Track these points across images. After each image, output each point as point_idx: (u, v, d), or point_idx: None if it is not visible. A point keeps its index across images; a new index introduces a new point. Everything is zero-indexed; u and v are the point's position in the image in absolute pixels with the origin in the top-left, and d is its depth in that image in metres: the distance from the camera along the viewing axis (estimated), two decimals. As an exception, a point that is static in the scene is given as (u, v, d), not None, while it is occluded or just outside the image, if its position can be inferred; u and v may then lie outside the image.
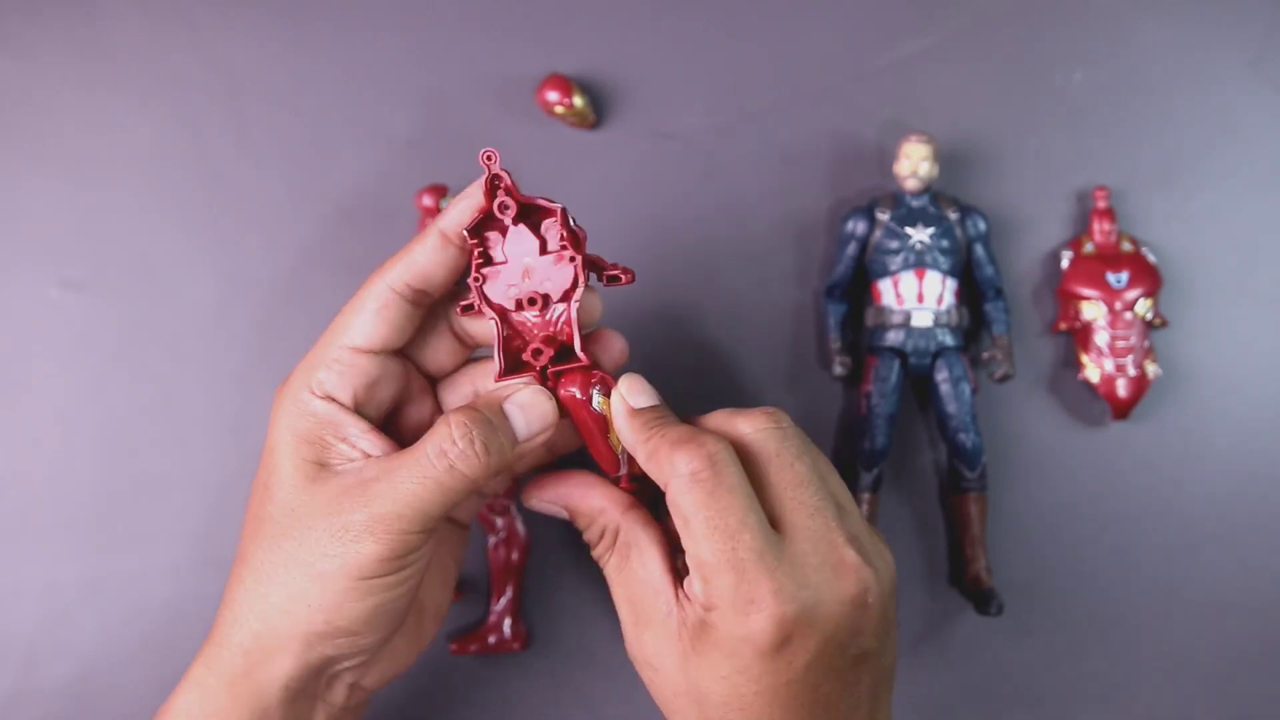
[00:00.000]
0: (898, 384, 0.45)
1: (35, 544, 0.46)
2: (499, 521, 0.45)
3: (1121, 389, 0.45)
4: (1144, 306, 0.46)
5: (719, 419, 0.34)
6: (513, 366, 0.35)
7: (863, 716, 0.33)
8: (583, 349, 0.34)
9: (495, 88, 0.49)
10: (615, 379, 0.35)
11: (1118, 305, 0.46)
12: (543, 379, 0.35)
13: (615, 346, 0.37)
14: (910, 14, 0.49)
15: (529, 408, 0.34)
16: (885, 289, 0.45)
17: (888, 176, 0.48)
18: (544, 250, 0.34)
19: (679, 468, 0.31)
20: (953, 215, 0.46)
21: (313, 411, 0.34)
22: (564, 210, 0.34)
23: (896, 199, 0.46)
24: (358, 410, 0.34)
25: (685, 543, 0.32)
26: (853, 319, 0.47)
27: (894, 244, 0.45)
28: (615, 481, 0.36)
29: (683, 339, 0.48)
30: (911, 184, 0.45)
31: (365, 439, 0.34)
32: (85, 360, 0.47)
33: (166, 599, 0.46)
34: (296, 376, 0.35)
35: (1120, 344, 0.45)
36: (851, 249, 0.46)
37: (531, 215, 0.34)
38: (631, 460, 0.35)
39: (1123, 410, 0.46)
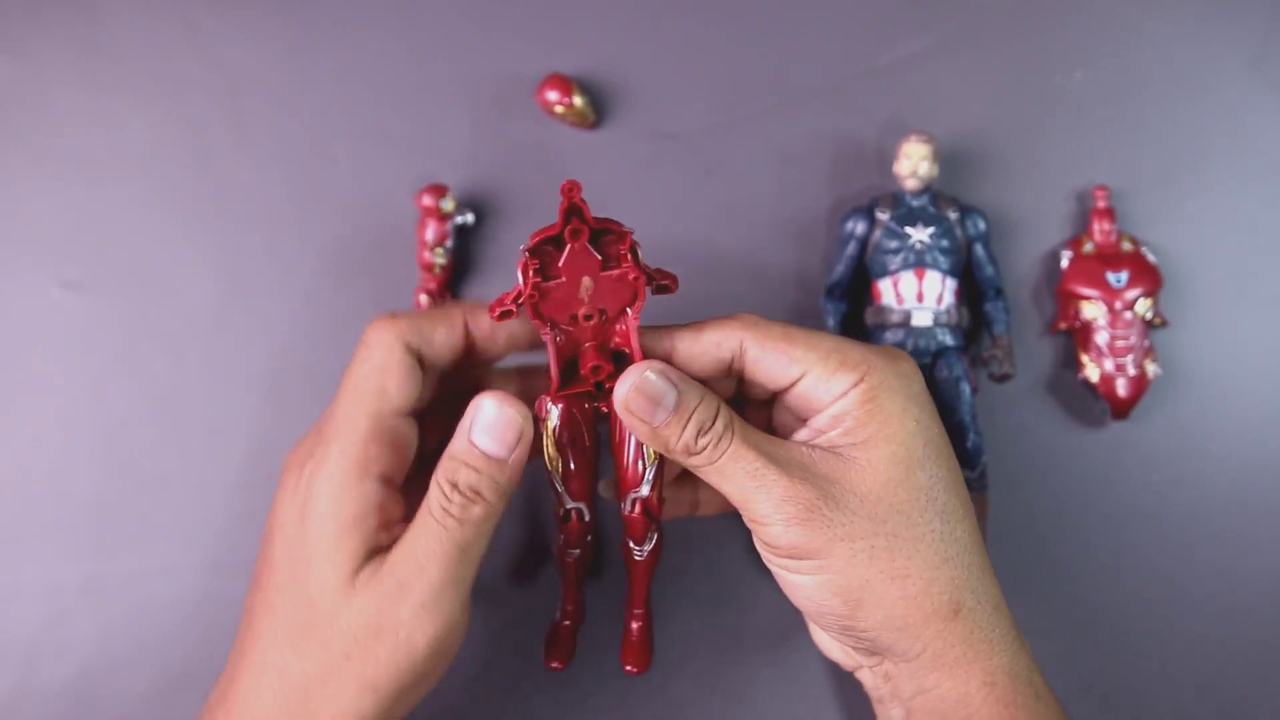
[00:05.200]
0: (898, 384, 0.45)
1: (35, 544, 0.46)
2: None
3: (1121, 389, 0.45)
4: (1144, 306, 0.46)
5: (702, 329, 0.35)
6: (567, 380, 0.34)
7: None
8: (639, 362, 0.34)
9: (495, 88, 0.49)
10: None
11: (1118, 305, 0.46)
12: (598, 392, 0.34)
13: None
14: (910, 14, 0.49)
15: (493, 427, 0.33)
16: (885, 289, 0.46)
17: (888, 176, 0.48)
18: (604, 266, 0.33)
19: (747, 317, 0.34)
20: (953, 215, 0.46)
21: (364, 494, 0.33)
22: (632, 235, 0.33)
23: (896, 199, 0.46)
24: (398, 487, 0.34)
25: (794, 355, 0.33)
26: (853, 319, 0.47)
27: (894, 244, 0.45)
28: (630, 508, 0.36)
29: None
30: (911, 184, 0.45)
31: (402, 526, 0.34)
32: (85, 360, 0.47)
33: (166, 599, 0.46)
34: (331, 447, 0.33)
35: (1120, 344, 0.45)
36: (851, 249, 0.46)
37: (595, 235, 0.33)
38: (655, 483, 0.35)
39: (1123, 410, 0.46)
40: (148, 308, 0.48)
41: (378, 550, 0.33)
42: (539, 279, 0.33)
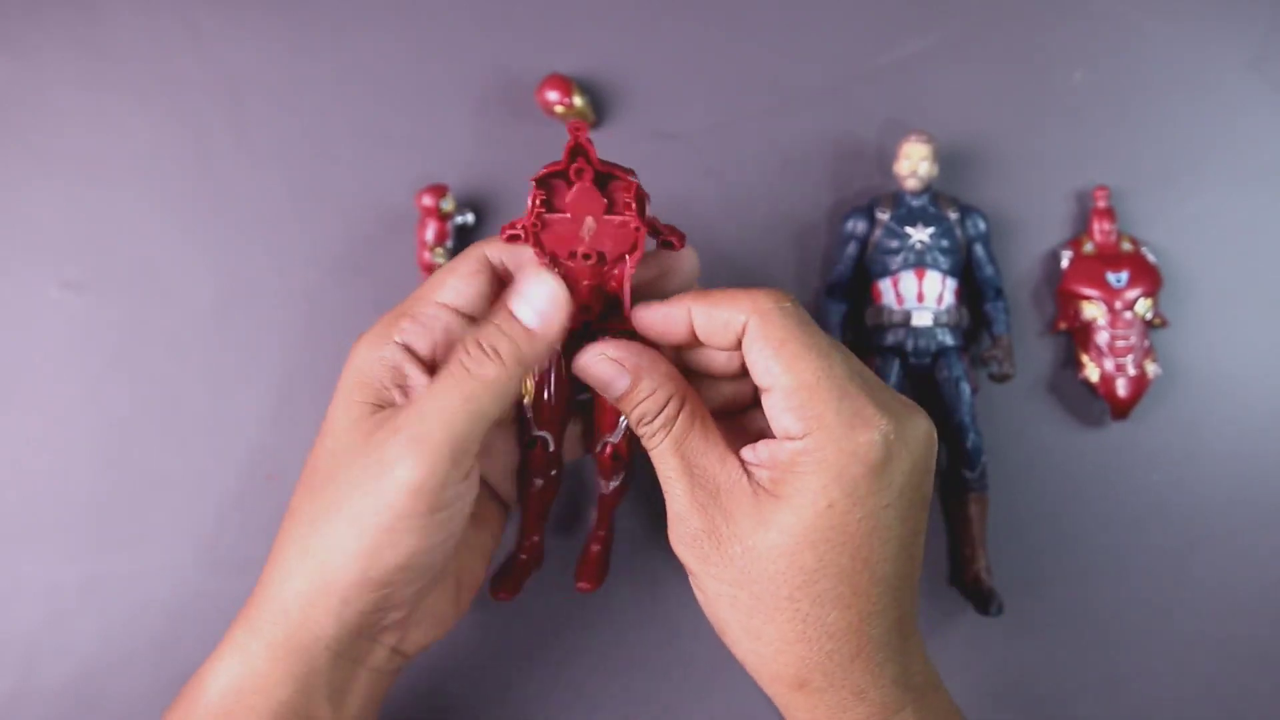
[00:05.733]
0: (898, 384, 0.45)
1: (35, 544, 0.46)
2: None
3: (1121, 389, 0.45)
4: (1144, 306, 0.46)
5: (727, 295, 0.34)
6: None
7: (917, 573, 0.33)
8: (629, 313, 0.35)
9: (495, 88, 0.49)
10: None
11: (1118, 305, 0.46)
12: (586, 332, 0.35)
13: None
14: (911, 14, 0.49)
15: (534, 297, 0.34)
16: (885, 289, 0.45)
17: (888, 176, 0.48)
18: (608, 210, 0.34)
19: (762, 302, 0.32)
20: (953, 215, 0.46)
21: (381, 356, 0.34)
22: (639, 185, 0.34)
23: (896, 199, 0.46)
24: (431, 367, 0.34)
25: (774, 372, 0.31)
26: (853, 319, 0.47)
27: (894, 244, 0.45)
28: (601, 448, 0.38)
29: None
30: (911, 184, 0.45)
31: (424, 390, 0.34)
32: (85, 360, 0.47)
33: (166, 599, 0.46)
34: (378, 325, 0.35)
35: (1120, 344, 0.45)
36: (852, 249, 0.46)
37: (601, 177, 0.34)
38: (629, 433, 0.36)
39: (1123, 410, 0.46)
40: (148, 308, 0.48)
41: (390, 405, 0.34)
42: (543, 210, 0.34)
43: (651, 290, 0.36)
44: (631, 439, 0.38)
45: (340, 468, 0.33)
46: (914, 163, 0.45)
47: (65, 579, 0.46)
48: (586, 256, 0.34)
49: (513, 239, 0.35)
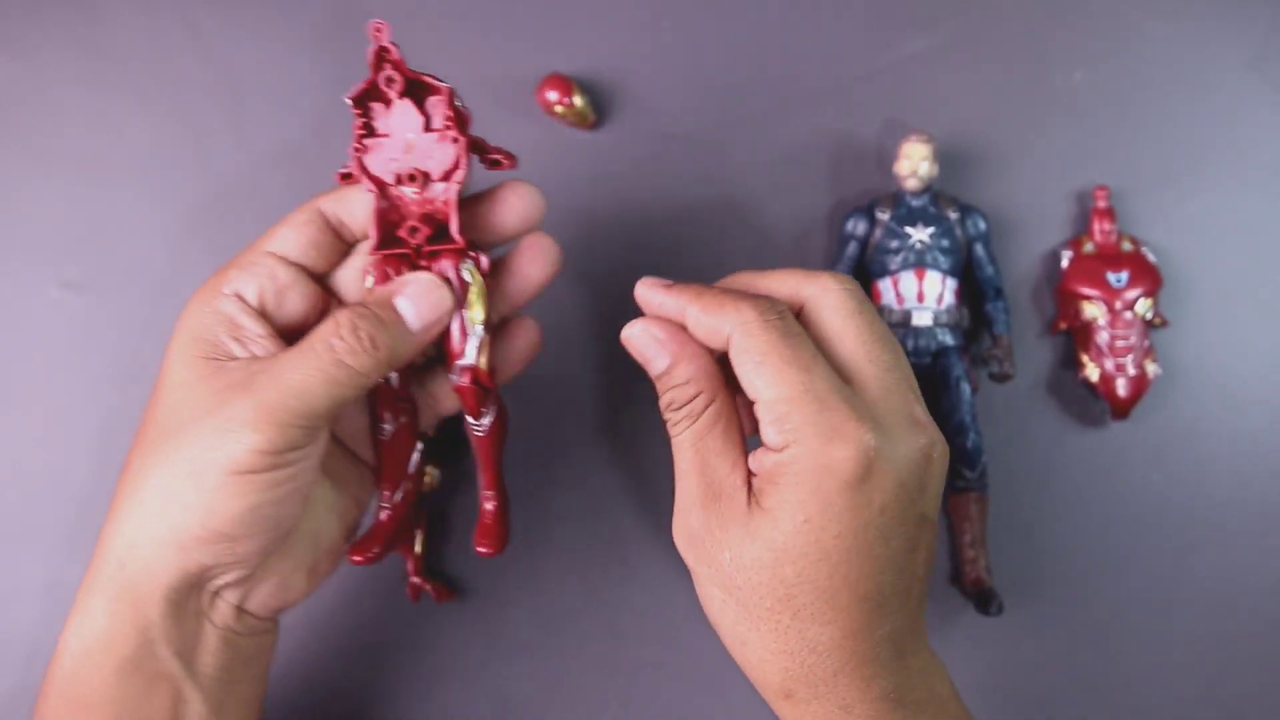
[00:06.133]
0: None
1: (35, 544, 0.46)
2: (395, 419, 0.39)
3: (1121, 389, 0.45)
4: (1144, 306, 0.46)
5: (781, 278, 0.34)
6: (388, 242, 0.35)
7: (917, 589, 0.33)
8: (459, 231, 0.34)
9: (495, 88, 0.49)
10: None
11: (1118, 305, 0.46)
12: (417, 256, 0.35)
13: (543, 257, 0.37)
14: (910, 14, 0.49)
15: (420, 299, 0.34)
16: (885, 288, 0.45)
17: (888, 176, 0.48)
18: (428, 128, 0.34)
19: (746, 314, 0.32)
20: (953, 215, 0.46)
21: (215, 309, 0.34)
22: (452, 90, 0.34)
23: (897, 199, 0.46)
24: (264, 316, 0.34)
25: (756, 386, 0.31)
26: (853, 319, 0.47)
27: (894, 243, 0.45)
28: (460, 377, 0.35)
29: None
30: (911, 184, 0.45)
31: (261, 342, 0.33)
32: (85, 360, 0.47)
33: (166, 599, 0.46)
34: (209, 280, 0.35)
35: (1120, 344, 0.45)
36: (852, 249, 0.46)
37: (418, 92, 0.34)
38: (481, 349, 0.35)
39: (1123, 410, 0.46)
40: (148, 308, 0.47)
41: (230, 358, 0.33)
42: (364, 133, 0.34)
43: (484, 224, 0.36)
44: (493, 362, 0.36)
45: (180, 423, 0.32)
46: (914, 163, 0.45)
47: (65, 579, 0.46)
48: (412, 178, 0.34)
49: (345, 178, 0.35)
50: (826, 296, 0.33)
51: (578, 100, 0.47)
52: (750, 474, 0.32)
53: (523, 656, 0.46)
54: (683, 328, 0.34)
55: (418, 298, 0.34)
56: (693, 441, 0.33)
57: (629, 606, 0.46)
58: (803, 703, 0.32)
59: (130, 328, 0.47)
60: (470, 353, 0.35)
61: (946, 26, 0.49)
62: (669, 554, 0.46)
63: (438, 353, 0.38)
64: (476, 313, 0.35)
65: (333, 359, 0.32)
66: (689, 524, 0.33)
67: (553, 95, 0.47)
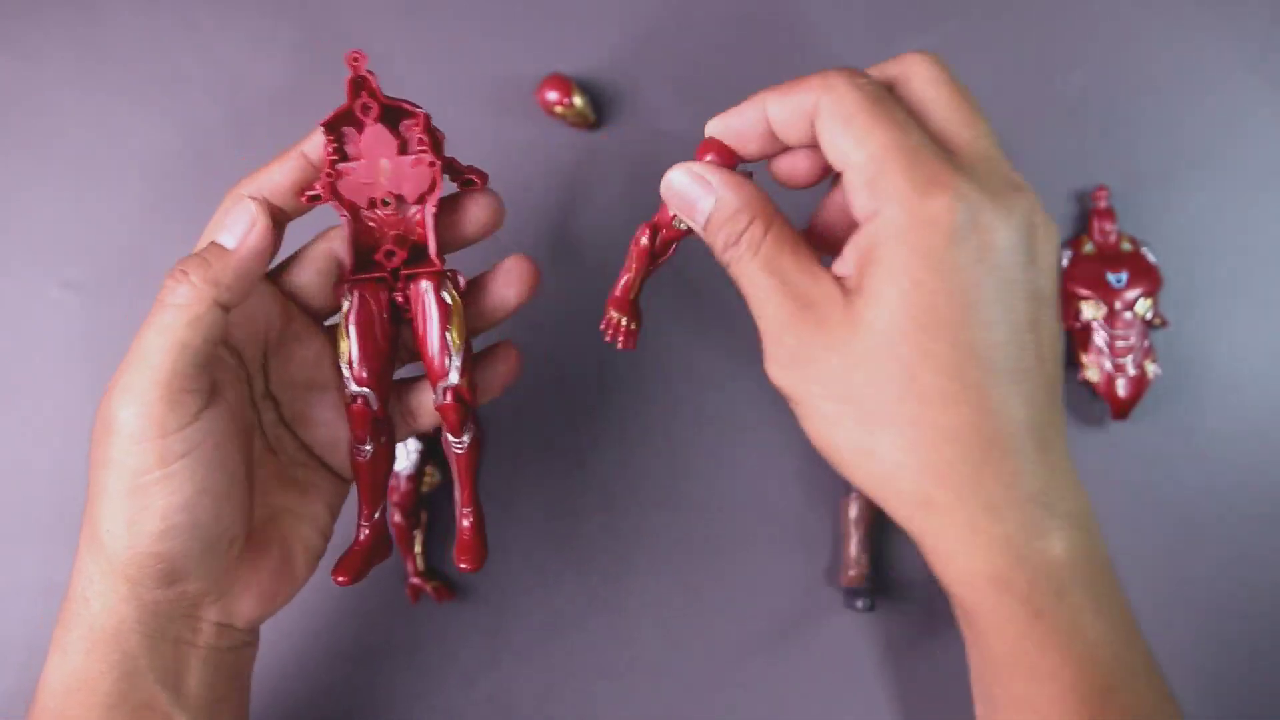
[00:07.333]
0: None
1: (35, 544, 0.46)
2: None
3: (1121, 389, 0.45)
4: (1144, 306, 0.46)
5: (870, 70, 0.32)
6: (363, 265, 0.35)
7: (1047, 372, 0.30)
8: (437, 253, 0.34)
9: (495, 88, 0.49)
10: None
11: (1118, 305, 0.46)
12: (394, 279, 0.35)
13: (520, 282, 0.37)
14: (910, 14, 0.49)
15: (228, 218, 0.33)
16: (885, 289, 0.45)
17: (888, 176, 0.48)
18: (402, 151, 0.34)
19: (833, 79, 0.30)
20: (953, 215, 0.46)
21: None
22: (427, 116, 0.34)
23: (896, 199, 0.46)
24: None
25: (844, 148, 0.29)
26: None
27: (894, 244, 0.45)
28: (441, 396, 0.35)
29: (681, 339, 0.48)
30: (911, 184, 0.45)
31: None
32: (85, 360, 0.47)
33: (166, 599, 0.46)
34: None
35: (1120, 344, 0.45)
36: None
37: (392, 115, 0.34)
38: (464, 370, 0.35)
39: (1123, 410, 0.46)
40: (147, 308, 0.47)
41: None
42: (336, 158, 0.34)
43: (450, 235, 0.36)
44: (473, 381, 0.36)
45: (93, 445, 0.32)
46: (914, 163, 0.45)
47: (65, 579, 0.46)
48: (386, 202, 0.34)
49: (312, 200, 0.34)
50: (917, 67, 0.31)
51: (578, 100, 0.47)
52: (838, 278, 0.30)
53: (523, 657, 0.46)
54: (730, 167, 0.33)
55: (226, 219, 0.33)
56: (763, 266, 0.31)
57: (628, 607, 0.46)
58: (944, 510, 0.29)
59: (130, 328, 0.47)
60: (453, 373, 0.35)
61: (946, 26, 0.49)
62: (670, 554, 0.46)
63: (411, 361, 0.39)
64: (457, 333, 0.35)
65: (158, 308, 0.31)
66: (784, 347, 0.31)
67: (553, 95, 0.47)
